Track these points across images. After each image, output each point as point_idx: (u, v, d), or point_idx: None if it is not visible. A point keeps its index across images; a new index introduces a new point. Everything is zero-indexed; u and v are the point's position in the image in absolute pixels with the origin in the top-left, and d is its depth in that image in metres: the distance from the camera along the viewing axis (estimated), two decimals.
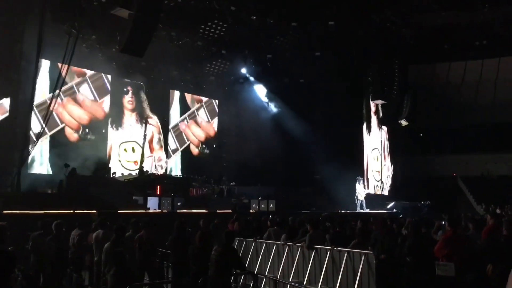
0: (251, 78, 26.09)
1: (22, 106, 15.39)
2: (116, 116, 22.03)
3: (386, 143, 31.44)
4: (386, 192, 30.42)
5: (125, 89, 22.55)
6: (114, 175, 19.36)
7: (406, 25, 25.18)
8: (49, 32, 15.10)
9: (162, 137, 24.12)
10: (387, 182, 31.00)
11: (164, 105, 24.42)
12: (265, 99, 26.61)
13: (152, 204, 16.22)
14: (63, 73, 15.31)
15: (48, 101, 16.42)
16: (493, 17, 24.37)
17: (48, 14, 15.05)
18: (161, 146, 24.03)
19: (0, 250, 3.36)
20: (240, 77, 26.00)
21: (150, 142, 23.28)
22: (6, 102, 15.47)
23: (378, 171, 29.92)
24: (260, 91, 26.57)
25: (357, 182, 24.25)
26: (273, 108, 26.59)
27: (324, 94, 25.10)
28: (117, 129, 22.05)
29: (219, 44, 23.19)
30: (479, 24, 25.12)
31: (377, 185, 29.42)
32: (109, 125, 21.70)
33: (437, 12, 23.90)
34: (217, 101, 27.32)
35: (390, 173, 31.63)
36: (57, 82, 15.43)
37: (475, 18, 24.54)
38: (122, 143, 22.18)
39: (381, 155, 30.48)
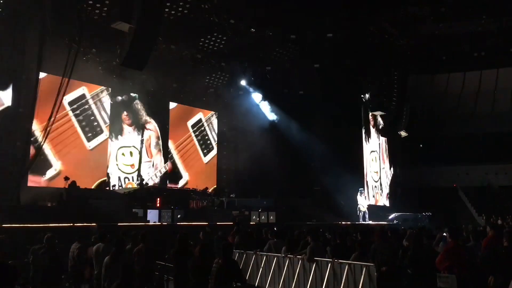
0: (251, 90, 26.19)
1: (23, 119, 15.41)
2: (115, 128, 22.27)
3: (385, 145, 31.49)
4: (385, 197, 30.45)
5: (121, 106, 22.69)
6: (113, 188, 19.36)
7: (404, 36, 25.36)
8: (49, 46, 15.20)
9: (160, 142, 24.26)
10: (386, 184, 30.99)
11: (163, 112, 24.63)
12: (264, 111, 26.67)
13: (152, 216, 16.19)
14: (64, 86, 15.37)
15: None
16: (491, 28, 24.56)
17: (49, 28, 15.14)
18: (159, 150, 24.13)
19: (2, 264, 3.34)
20: (240, 89, 26.10)
21: (148, 146, 23.45)
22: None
23: (376, 172, 30.00)
24: (259, 103, 26.65)
25: (359, 194, 24.27)
26: (272, 119, 26.63)
27: (324, 105, 25.17)
28: (116, 138, 22.28)
29: (219, 56, 23.34)
30: (477, 36, 25.33)
31: (375, 186, 29.43)
32: (109, 136, 21.91)
33: (434, 24, 24.10)
34: (216, 113, 27.41)
35: (388, 179, 31.59)
36: (57, 95, 15.48)
37: (474, 29, 24.74)
38: (120, 147, 22.38)
39: (379, 156, 30.57)
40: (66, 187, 15.65)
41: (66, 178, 16.27)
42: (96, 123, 21.22)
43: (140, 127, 23.20)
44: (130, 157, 22.64)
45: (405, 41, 25.80)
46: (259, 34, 21.91)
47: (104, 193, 17.85)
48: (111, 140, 21.96)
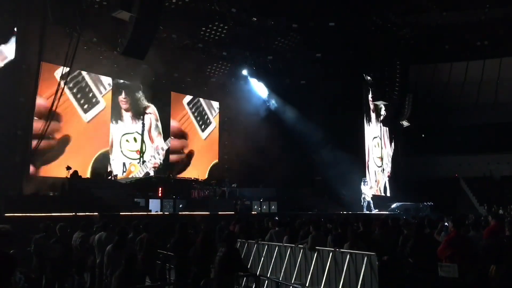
0: (252, 80, 26.10)
1: (24, 108, 15.40)
2: (115, 112, 22.38)
3: (385, 128, 31.49)
4: (387, 182, 30.49)
5: (120, 90, 22.74)
6: (115, 178, 19.39)
7: (407, 26, 25.19)
8: (50, 35, 15.14)
9: (159, 124, 24.35)
10: (388, 168, 31.05)
11: (165, 102, 24.72)
12: (266, 101, 26.61)
13: (154, 206, 16.22)
14: (65, 75, 15.36)
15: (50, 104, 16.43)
16: (494, 17, 24.37)
17: (50, 17, 15.07)
18: (159, 133, 24.27)
19: (1, 253, 3.32)
20: (241, 79, 26.01)
21: (149, 131, 23.57)
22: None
23: (379, 157, 30.08)
24: (261, 92, 26.58)
25: (362, 183, 24.25)
26: (274, 109, 26.57)
27: (326, 95, 25.10)
28: (116, 122, 22.39)
29: (220, 45, 23.22)
30: (480, 25, 25.13)
31: (378, 172, 29.50)
32: (110, 120, 22.04)
33: (437, 13, 23.90)
34: (218, 102, 27.36)
35: (390, 161, 31.61)
36: (58, 84, 15.48)
37: (476, 18, 24.55)
38: (124, 134, 22.56)
39: (381, 140, 30.63)
40: (68, 176, 15.68)
41: (68, 168, 16.31)
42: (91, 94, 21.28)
43: (140, 114, 23.29)
44: (134, 142, 22.84)
45: (407, 30, 25.62)
46: (260, 23, 21.77)
47: (106, 182, 17.87)
48: (113, 123, 22.16)
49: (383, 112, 30.46)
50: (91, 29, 17.84)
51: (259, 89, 26.45)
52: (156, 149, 23.71)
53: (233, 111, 26.90)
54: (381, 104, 29.55)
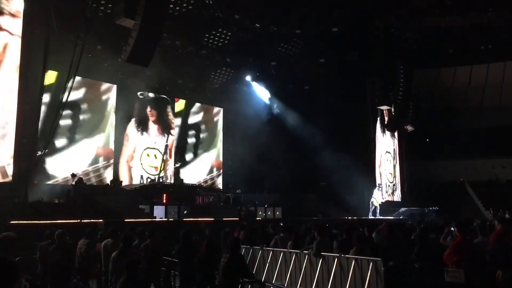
0: (255, 85, 26.14)
1: (28, 116, 15.44)
2: (140, 121, 22.77)
3: (397, 149, 31.48)
4: (396, 197, 30.33)
5: (146, 104, 23.24)
6: (120, 184, 19.42)
7: (410, 30, 25.18)
8: (55, 43, 15.22)
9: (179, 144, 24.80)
10: (399, 186, 30.94)
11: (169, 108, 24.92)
12: (269, 106, 26.62)
13: (159, 212, 16.23)
14: (69, 83, 15.43)
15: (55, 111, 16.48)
16: (498, 21, 24.31)
17: (54, 25, 15.16)
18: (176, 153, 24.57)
19: (4, 260, 3.29)
20: (244, 84, 26.06)
21: (170, 149, 23.86)
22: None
23: (391, 173, 29.92)
24: (264, 97, 26.61)
25: (377, 188, 24.33)
26: (277, 114, 26.58)
27: (329, 100, 25.10)
28: (142, 133, 22.75)
29: (224, 52, 23.30)
30: (484, 28, 25.07)
31: (388, 185, 29.35)
32: (135, 129, 22.45)
33: (440, 17, 23.88)
34: (222, 109, 27.40)
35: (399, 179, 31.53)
36: (63, 92, 15.54)
37: (480, 22, 24.50)
38: (146, 148, 22.84)
39: (393, 158, 30.53)
40: (73, 183, 15.73)
41: (73, 175, 16.37)
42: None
43: (166, 129, 23.55)
44: (154, 159, 23.06)
45: (411, 35, 25.62)
46: (263, 29, 21.83)
47: (110, 189, 17.90)
48: (138, 132, 22.53)
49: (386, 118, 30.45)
50: (96, 37, 17.96)
51: (262, 94, 26.49)
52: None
53: (237, 116, 26.91)
54: (384, 108, 29.50)
